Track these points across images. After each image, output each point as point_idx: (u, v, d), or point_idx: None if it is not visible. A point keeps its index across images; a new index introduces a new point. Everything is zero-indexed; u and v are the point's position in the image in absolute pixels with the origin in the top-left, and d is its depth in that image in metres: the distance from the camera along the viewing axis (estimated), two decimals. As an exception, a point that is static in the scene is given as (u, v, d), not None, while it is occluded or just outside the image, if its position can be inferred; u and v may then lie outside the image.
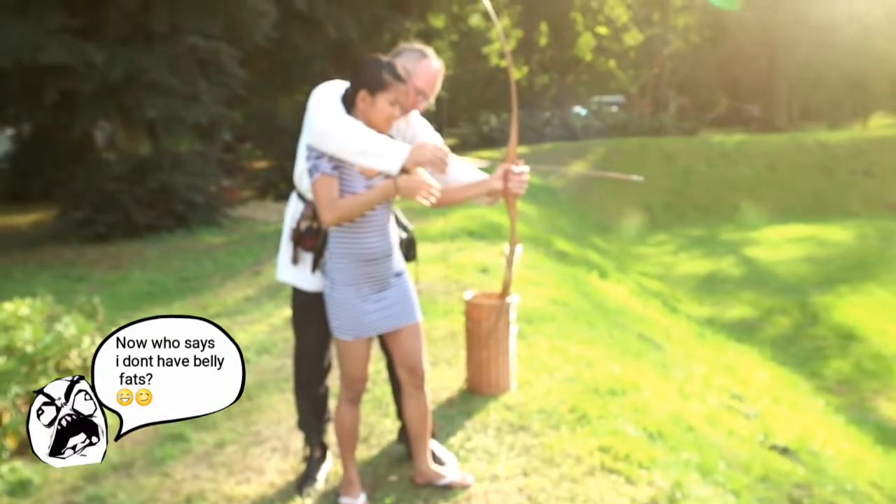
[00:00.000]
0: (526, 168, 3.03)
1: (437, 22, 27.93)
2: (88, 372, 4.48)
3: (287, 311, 6.31)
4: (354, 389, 3.04)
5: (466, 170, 3.16)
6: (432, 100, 3.13)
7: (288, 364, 4.85)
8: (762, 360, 8.35)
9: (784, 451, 3.96)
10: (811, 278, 14.21)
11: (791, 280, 14.22)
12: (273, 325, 5.93)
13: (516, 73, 34.69)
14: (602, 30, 31.55)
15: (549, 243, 10.01)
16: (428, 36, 26.44)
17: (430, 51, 3.14)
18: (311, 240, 3.09)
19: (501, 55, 34.67)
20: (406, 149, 2.78)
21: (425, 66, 3.08)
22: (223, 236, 12.28)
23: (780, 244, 17.02)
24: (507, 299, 3.92)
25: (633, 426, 3.51)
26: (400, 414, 3.40)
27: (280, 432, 3.81)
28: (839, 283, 13.63)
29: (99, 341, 4.68)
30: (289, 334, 5.52)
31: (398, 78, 2.82)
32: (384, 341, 3.14)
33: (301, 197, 3.15)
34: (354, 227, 2.84)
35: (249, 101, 15.32)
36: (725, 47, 34.58)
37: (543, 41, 32.44)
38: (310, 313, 3.14)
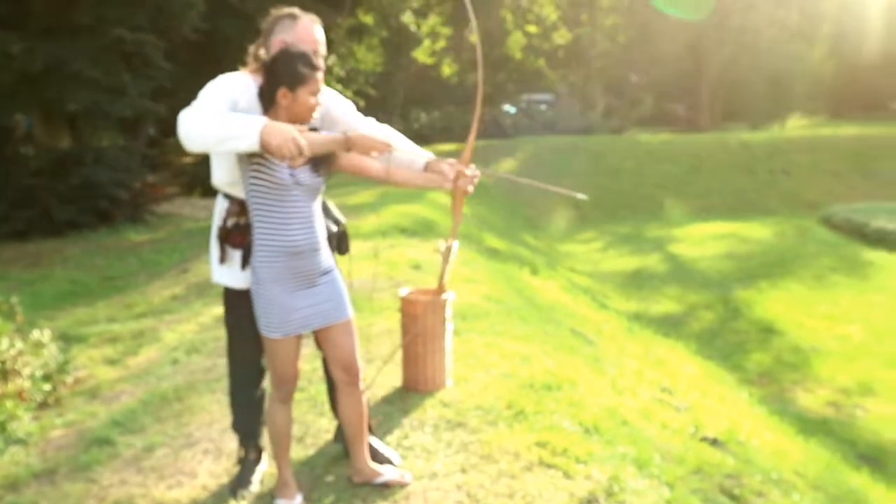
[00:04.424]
0: (478, 172, 3.04)
1: (367, 18, 27.75)
2: (6, 375, 4.33)
3: (217, 310, 6.20)
4: (285, 389, 2.97)
5: (411, 152, 3.12)
6: (323, 50, 3.00)
7: (219, 364, 4.77)
8: (688, 354, 8.53)
9: (714, 442, 4.05)
10: (733, 274, 14.58)
11: (714, 276, 14.57)
12: (202, 324, 5.81)
13: (447, 70, 34.85)
14: (532, 28, 31.82)
15: (481, 240, 10.05)
16: (359, 32, 26.27)
17: (295, 10, 3.01)
18: (238, 237, 3.02)
19: (431, 53, 34.68)
20: (258, 119, 2.63)
21: (302, 28, 2.95)
22: (148, 233, 11.98)
23: (704, 241, 17.42)
24: (443, 296, 3.91)
25: (569, 421, 3.53)
26: (336, 412, 3.35)
27: (212, 434, 3.72)
28: (759, 278, 14.01)
29: (18, 343, 4.52)
30: (219, 333, 5.42)
31: (314, 67, 2.75)
32: (317, 339, 3.09)
33: (227, 195, 3.07)
34: (278, 220, 2.76)
35: (176, 95, 14.94)
36: (651, 48, 35.28)
37: (473, 39, 32.53)
38: (242, 312, 3.06)
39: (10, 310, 5.40)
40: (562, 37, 32.37)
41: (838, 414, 8.44)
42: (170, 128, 20.32)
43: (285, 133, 2.59)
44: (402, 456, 3.28)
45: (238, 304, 3.10)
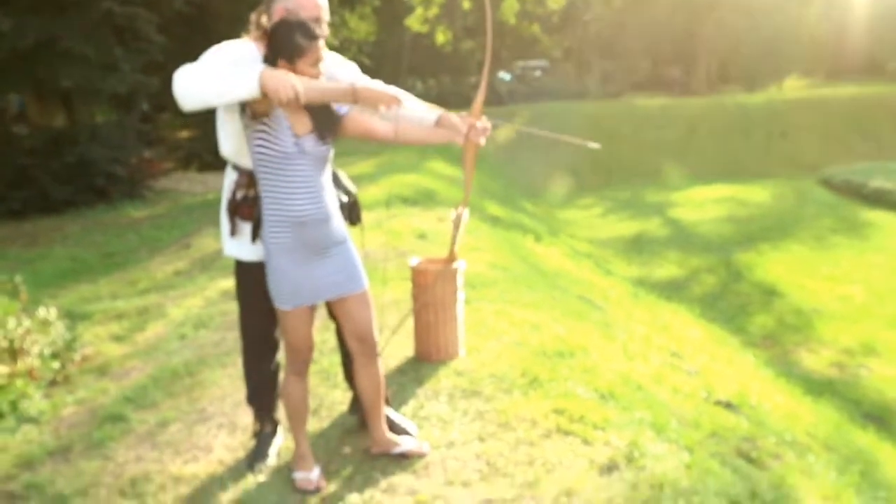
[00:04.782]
0: (489, 124, 2.97)
1: (359, -13, 27.48)
2: (14, 354, 4.29)
3: (222, 284, 6.18)
4: (299, 360, 2.95)
5: (420, 109, 3.07)
6: (326, 15, 2.93)
7: (228, 337, 4.75)
8: (693, 318, 8.53)
9: (728, 405, 4.05)
10: (734, 237, 14.59)
11: (715, 239, 14.57)
12: (208, 299, 5.77)
13: (440, 37, 34.52)
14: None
15: (483, 208, 10.00)
16: (351, 2, 25.99)
17: None
18: (248, 209, 2.98)
19: (424, 21, 34.31)
20: (257, 66, 2.60)
21: None
22: (147, 209, 11.89)
23: (703, 205, 17.40)
24: (454, 265, 3.88)
25: (584, 388, 3.52)
26: (351, 384, 3.33)
27: (225, 408, 3.70)
28: (760, 241, 14.03)
29: (25, 322, 4.49)
30: (226, 307, 5.42)
31: (313, 37, 2.69)
32: (332, 310, 3.05)
33: (235, 167, 3.02)
34: (284, 190, 2.72)
35: (168, 69, 14.80)
36: (645, 11, 34.96)
37: (467, 5, 32.25)
38: (254, 285, 3.02)
39: (14, 289, 5.36)
40: (556, 2, 32.03)
41: (842, 374, 8.47)
42: (163, 102, 20.22)
43: (283, 78, 2.55)
44: (418, 426, 3.26)
45: (249, 277, 3.07)
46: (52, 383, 4.39)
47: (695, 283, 12.12)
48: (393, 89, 2.97)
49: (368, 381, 3.01)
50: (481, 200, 10.72)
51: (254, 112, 2.67)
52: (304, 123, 2.76)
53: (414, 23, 33.61)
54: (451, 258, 3.83)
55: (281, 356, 3.21)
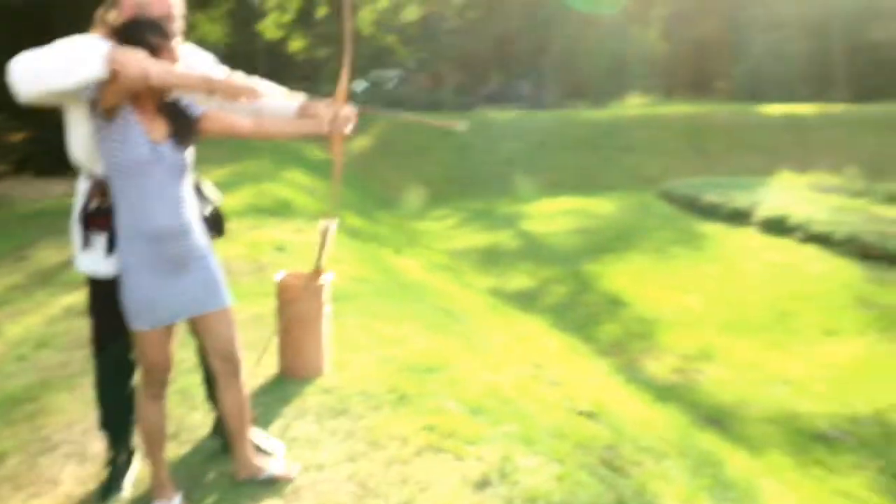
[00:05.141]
0: (354, 111, 2.88)
1: (210, -12, 26.66)
2: None
3: (65, 300, 5.81)
4: (156, 382, 2.79)
5: (280, 99, 2.96)
6: (179, 11, 2.75)
7: (74, 358, 4.45)
8: (546, 328, 8.76)
9: (589, 415, 4.16)
10: (581, 248, 15.10)
11: (563, 251, 15.04)
12: (50, 316, 5.40)
13: (295, 45, 34.01)
14: (381, 3, 31.57)
15: (340, 219, 9.90)
16: (204, 4, 25.18)
17: None
18: (102, 220, 2.78)
19: (278, 26, 33.68)
20: (101, 44, 2.43)
21: None
22: (-24, 217, 11.04)
23: (553, 216, 17.95)
24: (320, 278, 3.80)
25: (453, 402, 3.53)
26: (213, 405, 3.19)
27: (73, 436, 3.46)
28: (605, 252, 14.60)
29: None
30: (71, 325, 5.09)
31: (165, 36, 2.56)
32: (192, 327, 2.91)
33: (88, 175, 2.83)
34: (139, 201, 2.56)
35: (3, 67, 13.82)
36: (499, 25, 35.86)
37: (321, 12, 31.97)
38: (108, 302, 2.83)
39: None
40: (411, 13, 32.26)
41: (683, 379, 8.92)
42: (-7, 102, 18.87)
43: (133, 54, 2.40)
44: (286, 448, 3.16)
45: (103, 293, 2.88)
46: None
47: (546, 294, 12.45)
48: (252, 80, 2.84)
49: (233, 401, 2.88)
50: (338, 211, 10.60)
51: (104, 107, 2.49)
52: (160, 128, 2.61)
53: (268, 29, 32.96)
54: (318, 272, 3.75)
55: (136, 378, 3.03)
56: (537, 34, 35.56)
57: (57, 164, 16.65)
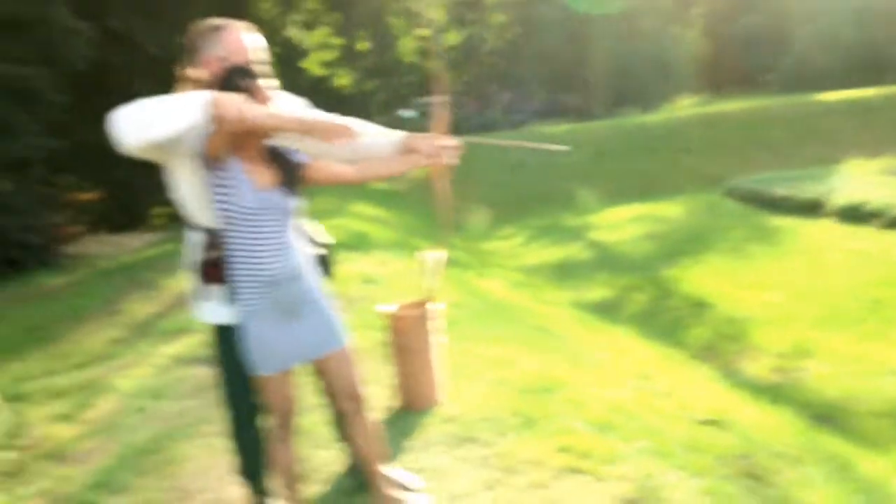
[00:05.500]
0: (456, 142, 2.83)
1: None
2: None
3: (168, 349, 5.91)
4: (283, 425, 2.81)
5: (378, 137, 2.95)
6: (262, 55, 2.79)
7: (191, 407, 4.52)
8: (638, 338, 8.62)
9: (713, 424, 4.06)
10: (655, 254, 14.90)
11: (638, 258, 14.86)
12: (158, 366, 5.49)
13: (340, 80, 34.47)
14: (422, 31, 31.82)
15: (415, 246, 9.92)
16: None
17: (216, 21, 2.79)
18: (215, 270, 2.82)
19: (323, 65, 34.17)
20: (199, 92, 2.46)
21: (230, 39, 2.73)
22: (64, 277, 11.35)
23: (620, 225, 17.77)
24: (430, 308, 3.79)
25: (580, 422, 3.47)
26: (345, 444, 3.19)
27: (208, 483, 3.49)
28: (681, 255, 14.36)
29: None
30: (181, 374, 5.17)
31: (252, 76, 2.59)
32: (315, 369, 2.91)
33: (197, 227, 2.87)
34: (249, 249, 2.58)
35: (70, 129, 14.26)
36: (538, 42, 35.83)
37: (363, 46, 32.36)
38: (229, 348, 2.86)
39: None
40: (453, 37, 32.49)
41: (785, 378, 8.68)
42: (61, 164, 19.49)
43: (230, 97, 2.42)
44: (420, 480, 3.14)
45: (223, 341, 2.91)
46: (5, 475, 4.08)
47: (627, 303, 12.29)
48: (347, 120, 2.85)
49: (364, 439, 2.87)
50: (411, 238, 10.66)
51: (211, 157, 2.52)
52: (266, 176, 2.63)
53: (312, 66, 33.47)
54: (427, 301, 3.74)
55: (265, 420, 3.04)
56: (579, 46, 35.43)
57: (129, 220, 17.17)
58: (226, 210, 2.57)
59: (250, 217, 2.57)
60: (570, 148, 3.21)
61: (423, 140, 2.84)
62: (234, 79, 2.55)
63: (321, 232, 3.11)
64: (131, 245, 14.49)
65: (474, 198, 20.75)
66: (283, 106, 2.87)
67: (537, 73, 40.15)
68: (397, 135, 2.91)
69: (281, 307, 2.64)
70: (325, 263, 3.06)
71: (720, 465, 3.31)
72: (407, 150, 2.87)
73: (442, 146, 2.80)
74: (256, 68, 2.67)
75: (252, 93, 2.55)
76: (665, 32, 34.86)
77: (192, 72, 2.74)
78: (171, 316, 7.01)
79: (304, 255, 2.74)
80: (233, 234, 2.59)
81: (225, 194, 2.55)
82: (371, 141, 2.91)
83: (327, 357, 2.75)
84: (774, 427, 4.80)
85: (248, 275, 2.60)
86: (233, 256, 2.61)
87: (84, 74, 14.02)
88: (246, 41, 2.74)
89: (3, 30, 10.55)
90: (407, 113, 34.11)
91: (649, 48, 33.92)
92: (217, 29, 2.73)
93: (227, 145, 2.53)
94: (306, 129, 2.56)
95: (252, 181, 2.58)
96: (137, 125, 2.47)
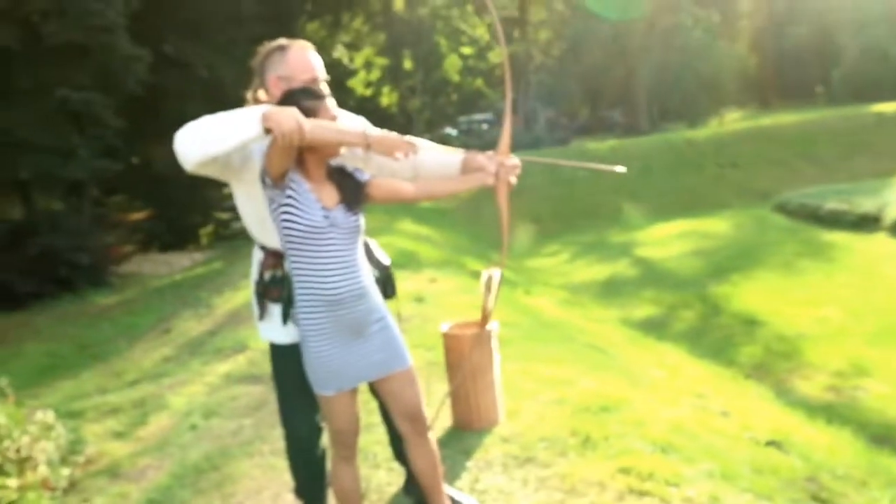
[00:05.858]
0: (518, 161, 2.81)
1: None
2: (23, 464, 4.03)
3: (220, 367, 5.95)
4: (347, 445, 2.77)
5: (440, 155, 2.92)
6: (323, 75, 2.79)
7: (245, 425, 4.53)
8: (689, 356, 8.47)
9: (776, 445, 3.95)
10: (703, 270, 14.67)
11: (685, 274, 14.64)
12: (210, 385, 5.52)
13: (385, 99, 34.79)
14: (466, 50, 32.03)
15: (462, 265, 9.91)
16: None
17: (280, 42, 2.80)
18: (276, 290, 2.82)
19: (367, 84, 34.55)
20: (257, 107, 2.46)
21: (294, 59, 2.73)
22: (115, 296, 11.56)
23: (667, 241, 17.54)
24: (488, 327, 3.75)
25: (640, 442, 3.39)
26: (402, 463, 3.17)
27: (264, 502, 3.48)
28: (730, 271, 14.11)
29: (31, 428, 4.22)
30: (233, 392, 5.19)
31: (318, 96, 2.57)
32: (375, 389, 2.88)
33: (261, 246, 2.87)
34: (315, 268, 2.55)
35: (124, 152, 14.57)
36: (584, 58, 35.77)
37: (408, 65, 32.63)
38: (289, 368, 2.84)
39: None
40: (497, 55, 32.61)
41: (840, 398, 8.45)
42: (114, 186, 19.91)
43: (287, 111, 2.40)
44: (480, 502, 3.09)
45: (284, 361, 2.90)
46: (63, 491, 4.12)
47: (675, 320, 12.10)
48: (408, 137, 2.83)
49: (424, 461, 2.83)
50: (459, 257, 10.65)
51: (272, 175, 2.51)
52: (331, 195, 2.61)
53: (357, 85, 33.86)
54: (485, 321, 3.71)
55: (326, 441, 3.02)
56: (624, 62, 35.27)
57: (179, 239, 17.45)
58: (292, 229, 2.54)
59: (317, 236, 2.54)
60: (626, 169, 3.14)
61: (486, 158, 2.81)
62: (299, 98, 2.55)
63: (381, 251, 3.10)
64: (180, 264, 14.70)
65: (520, 214, 20.68)
66: (345, 122, 2.88)
67: (581, 90, 40.07)
68: (459, 153, 2.88)
69: (346, 327, 2.60)
70: (387, 283, 3.04)
71: (787, 487, 3.21)
72: (469, 169, 2.84)
73: (505, 165, 2.76)
74: (320, 87, 2.68)
75: (317, 112, 2.55)
76: (712, 46, 34.49)
77: (260, 94, 2.77)
78: (222, 334, 7.07)
79: (368, 274, 2.72)
80: (298, 252, 2.56)
81: (291, 213, 2.53)
82: (433, 159, 2.88)
83: (391, 377, 2.72)
84: (835, 448, 4.66)
85: (314, 294, 2.57)
86: (298, 275, 2.58)
87: (137, 98, 14.35)
88: (309, 61, 2.75)
89: (67, 57, 10.82)
90: (451, 131, 34.22)
91: (696, 62, 33.59)
92: (281, 49, 2.75)
93: (288, 162, 2.52)
94: (366, 143, 2.53)
95: (319, 200, 2.56)
96: (197, 142, 2.49)
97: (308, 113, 2.52)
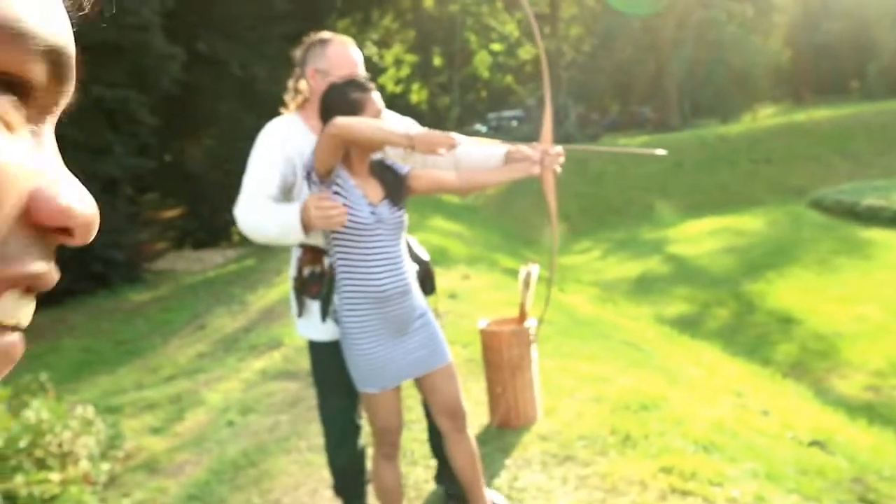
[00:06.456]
0: (562, 150, 2.79)
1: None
2: (64, 459, 4.07)
3: (256, 364, 5.97)
4: (389, 443, 2.75)
5: (484, 150, 2.91)
6: (362, 71, 2.79)
7: (281, 421, 4.54)
8: (724, 354, 8.37)
9: (821, 445, 3.88)
10: (737, 268, 14.52)
11: (718, 272, 14.50)
12: (246, 381, 5.54)
13: (415, 96, 34.80)
14: (496, 46, 31.92)
15: (495, 262, 9.88)
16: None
17: (322, 35, 2.82)
18: (315, 286, 2.81)
19: (397, 81, 34.60)
20: (292, 212, 2.55)
21: (334, 53, 2.74)
22: (149, 293, 11.66)
23: (700, 238, 17.38)
24: (526, 324, 3.72)
25: (681, 441, 3.35)
26: (436, 455, 3.16)
27: (302, 498, 3.48)
28: (765, 269, 13.95)
29: (72, 422, 4.26)
30: (269, 388, 5.21)
31: (365, 89, 2.55)
32: (417, 385, 2.86)
33: (300, 244, 2.87)
34: (362, 264, 2.53)
35: (158, 149, 14.70)
36: (615, 54, 35.51)
37: (438, 62, 32.62)
38: (329, 365, 2.83)
39: (39, 387, 5.13)
40: (527, 52, 32.49)
41: (880, 397, 8.32)
42: (147, 184, 20.10)
43: (317, 205, 2.45)
44: (517, 500, 3.07)
45: (323, 358, 2.89)
46: (103, 486, 4.15)
47: (709, 318, 11.99)
48: (450, 133, 2.83)
49: (464, 457, 2.80)
50: (491, 254, 10.61)
51: (319, 173, 2.51)
52: (376, 190, 2.60)
53: (387, 83, 33.91)
54: (523, 317, 3.68)
55: (366, 439, 3.01)
56: (655, 57, 34.97)
57: (211, 236, 17.60)
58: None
59: (365, 232, 2.53)
60: (666, 153, 3.10)
61: (529, 149, 2.79)
62: (346, 89, 2.54)
63: (420, 247, 3.08)
64: (213, 261, 14.80)
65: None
66: (392, 122, 2.88)
67: (612, 85, 39.79)
68: (503, 146, 2.86)
69: (391, 323, 2.58)
70: (426, 279, 3.03)
71: (833, 489, 3.14)
72: (514, 160, 2.82)
73: (549, 153, 2.73)
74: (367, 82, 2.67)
75: (364, 104, 2.54)
76: (745, 41, 34.09)
77: (301, 84, 2.79)
78: (256, 330, 7.10)
79: (412, 270, 2.71)
80: (345, 249, 2.56)
81: (345, 206, 2.52)
82: (477, 152, 2.87)
83: (433, 373, 2.70)
84: (879, 448, 4.57)
85: (360, 290, 2.55)
86: (344, 272, 2.57)
87: (171, 96, 14.47)
88: (349, 56, 2.75)
89: (102, 55, 10.94)
90: (481, 127, 34.18)
91: (729, 57, 33.22)
92: (322, 43, 2.76)
93: (336, 159, 2.52)
94: (411, 144, 2.51)
95: (365, 196, 2.55)
96: (257, 236, 2.71)
97: (355, 104, 2.52)
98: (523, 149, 2.81)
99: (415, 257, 3.00)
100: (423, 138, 2.50)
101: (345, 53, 2.75)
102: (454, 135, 2.70)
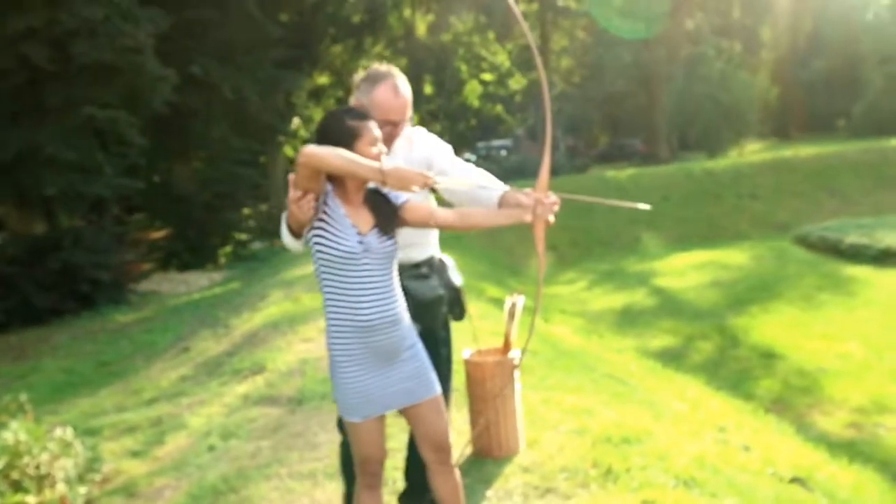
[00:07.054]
0: (556, 199, 2.80)
1: (323, 79, 27.84)
2: (41, 481, 4.02)
3: (238, 388, 5.94)
4: (371, 472, 2.72)
5: (478, 193, 2.92)
6: (408, 113, 2.90)
7: (263, 447, 4.51)
8: (704, 388, 8.39)
9: (802, 483, 3.89)
10: (722, 302, 14.58)
11: (703, 305, 14.55)
12: (228, 405, 5.52)
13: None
14: (487, 76, 32.16)
15: (482, 291, 9.89)
16: (316, 94, 26.29)
17: (380, 70, 2.90)
18: None
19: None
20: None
21: (379, 96, 2.82)
22: (134, 314, 11.60)
23: (685, 271, 17.47)
24: (510, 355, 3.74)
25: (663, 475, 3.35)
26: (407, 477, 3.20)
27: (283, 525, 3.46)
28: (749, 303, 14.01)
29: (50, 444, 4.22)
30: (251, 413, 5.19)
31: (363, 117, 2.56)
32: (403, 415, 2.85)
33: None
34: (349, 294, 2.52)
35: (147, 170, 14.71)
36: (604, 86, 35.85)
37: (429, 90, 32.82)
38: None
39: (18, 408, 5.09)
40: (517, 82, 32.75)
41: (861, 434, 8.34)
42: (134, 204, 20.04)
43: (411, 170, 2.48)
44: (498, 531, 3.06)
45: None
46: (80, 510, 4.11)
47: (692, 352, 12.01)
48: (464, 168, 2.92)
49: (447, 489, 2.78)
50: (478, 283, 10.61)
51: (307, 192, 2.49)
52: (366, 219, 2.58)
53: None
54: (507, 348, 3.69)
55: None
56: (645, 90, 35.32)
57: (197, 258, 17.54)
58: (326, 254, 2.53)
59: (351, 261, 2.52)
60: (650, 207, 3.10)
61: (526, 196, 2.78)
62: (346, 119, 2.55)
63: (455, 271, 3.10)
64: (199, 283, 14.76)
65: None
66: (429, 153, 3.00)
67: (601, 117, 40.15)
68: (501, 188, 2.85)
69: (379, 353, 2.57)
70: (455, 304, 3.04)
71: (814, 527, 3.16)
72: (510, 204, 2.83)
73: (543, 202, 2.72)
74: (368, 111, 2.69)
75: (360, 131, 2.53)
76: (734, 77, 34.51)
77: (357, 77, 2.93)
78: (240, 355, 7.07)
79: (402, 300, 2.66)
80: (332, 278, 2.55)
81: (325, 237, 2.52)
82: (474, 192, 2.89)
83: (420, 405, 2.67)
84: (860, 486, 4.59)
85: (345, 319, 2.54)
86: (330, 301, 2.56)
87: (161, 117, 14.50)
88: (393, 104, 2.83)
89: (96, 76, 10.96)
90: (470, 156, 34.35)
91: (717, 93, 33.60)
92: (375, 80, 2.84)
93: (316, 184, 2.50)
94: (384, 179, 2.44)
95: (355, 225, 2.54)
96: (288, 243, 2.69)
97: (351, 131, 2.53)
98: (519, 197, 2.80)
99: (446, 280, 3.01)
100: (395, 174, 2.43)
101: (389, 99, 2.83)
102: (430, 172, 2.67)
